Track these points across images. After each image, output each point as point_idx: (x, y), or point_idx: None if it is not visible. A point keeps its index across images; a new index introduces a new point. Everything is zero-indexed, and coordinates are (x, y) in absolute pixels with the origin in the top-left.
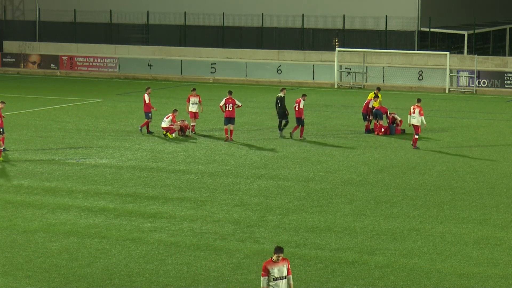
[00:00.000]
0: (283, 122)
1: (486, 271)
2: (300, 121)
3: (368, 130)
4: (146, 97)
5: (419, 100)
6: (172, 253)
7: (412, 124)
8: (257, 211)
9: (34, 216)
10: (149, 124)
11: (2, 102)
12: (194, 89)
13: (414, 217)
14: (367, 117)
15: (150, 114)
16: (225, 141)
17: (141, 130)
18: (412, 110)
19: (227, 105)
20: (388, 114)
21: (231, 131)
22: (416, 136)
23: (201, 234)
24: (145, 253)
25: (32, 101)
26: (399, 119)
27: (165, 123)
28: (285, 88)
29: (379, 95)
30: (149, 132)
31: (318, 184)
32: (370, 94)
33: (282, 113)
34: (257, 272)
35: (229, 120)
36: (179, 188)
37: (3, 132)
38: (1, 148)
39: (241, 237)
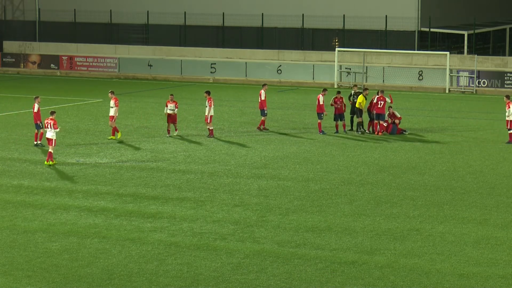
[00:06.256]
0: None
1: (486, 271)
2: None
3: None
4: (263, 93)
5: (508, 97)
6: (172, 253)
7: (510, 120)
8: (257, 211)
9: (34, 216)
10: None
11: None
12: (207, 92)
13: (414, 217)
14: (370, 115)
15: (265, 111)
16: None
17: (260, 129)
18: (507, 106)
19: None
20: (388, 111)
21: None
22: (511, 131)
23: (201, 234)
24: (145, 253)
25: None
26: (399, 116)
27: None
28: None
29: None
30: (264, 129)
31: (318, 184)
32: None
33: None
34: (257, 272)
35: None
36: (179, 188)
37: (40, 127)
38: (40, 144)
39: (241, 237)
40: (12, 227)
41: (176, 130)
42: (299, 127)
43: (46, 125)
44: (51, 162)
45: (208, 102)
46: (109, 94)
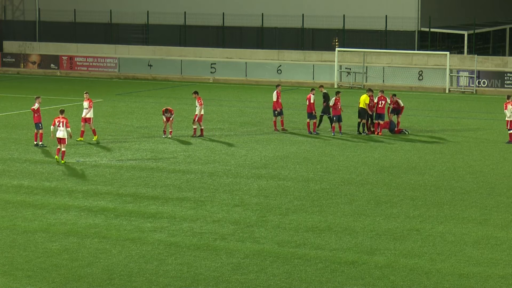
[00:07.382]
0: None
1: (486, 271)
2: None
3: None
4: (274, 95)
5: (509, 97)
6: (172, 253)
7: (510, 121)
8: (257, 211)
9: (34, 216)
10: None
11: (38, 97)
12: (196, 92)
13: (414, 217)
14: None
15: (276, 112)
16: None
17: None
18: (505, 106)
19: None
20: (392, 99)
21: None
22: (511, 131)
23: (201, 234)
24: (145, 253)
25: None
26: (402, 105)
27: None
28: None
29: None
30: (276, 129)
31: (318, 184)
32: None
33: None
34: (257, 272)
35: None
36: (179, 188)
37: (41, 127)
38: (40, 144)
39: (241, 237)
40: (12, 227)
41: (170, 132)
42: (299, 127)
43: (58, 124)
44: (62, 161)
45: (198, 101)
46: (85, 94)
